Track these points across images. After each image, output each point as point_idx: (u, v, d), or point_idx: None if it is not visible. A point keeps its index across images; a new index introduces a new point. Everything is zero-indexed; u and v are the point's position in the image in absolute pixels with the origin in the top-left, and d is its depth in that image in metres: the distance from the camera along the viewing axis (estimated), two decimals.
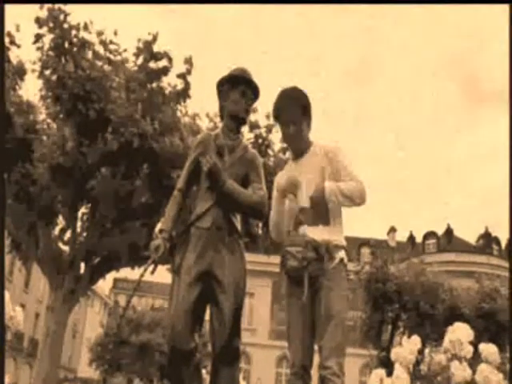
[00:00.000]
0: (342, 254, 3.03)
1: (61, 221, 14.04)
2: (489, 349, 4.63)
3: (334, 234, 3.03)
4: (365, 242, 39.19)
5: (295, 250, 2.91)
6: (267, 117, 13.51)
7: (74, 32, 12.03)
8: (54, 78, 11.88)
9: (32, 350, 35.92)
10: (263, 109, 13.07)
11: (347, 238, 3.17)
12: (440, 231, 39.19)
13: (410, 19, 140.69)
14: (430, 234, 39.24)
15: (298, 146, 3.22)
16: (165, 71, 12.51)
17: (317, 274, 2.89)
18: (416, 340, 4.92)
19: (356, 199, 3.04)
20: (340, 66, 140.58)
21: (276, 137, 13.85)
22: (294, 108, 3.15)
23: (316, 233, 2.95)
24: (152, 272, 3.22)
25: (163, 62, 12.45)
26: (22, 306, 34.25)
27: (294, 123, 3.15)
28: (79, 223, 13.83)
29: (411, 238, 40.75)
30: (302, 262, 2.87)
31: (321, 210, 3.02)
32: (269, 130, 13.76)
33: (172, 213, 3.30)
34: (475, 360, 4.59)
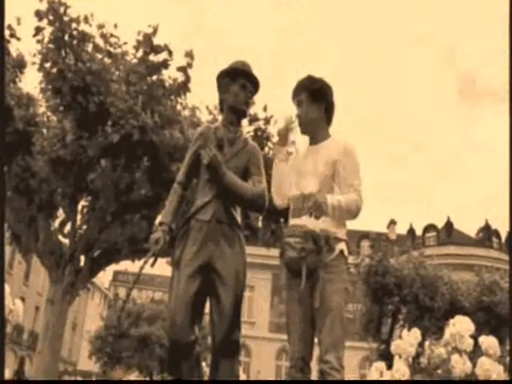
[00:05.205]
0: (341, 245, 3.01)
1: (61, 213, 14.04)
2: (489, 341, 4.62)
3: (335, 226, 3.01)
4: (365, 235, 39.18)
5: (294, 240, 2.90)
6: (264, 109, 13.55)
7: (74, 25, 11.99)
8: (54, 70, 11.84)
9: (32, 342, 35.97)
10: (261, 101, 13.11)
11: (347, 231, 3.16)
12: (440, 224, 39.18)
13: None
14: (429, 227, 39.19)
15: (309, 131, 3.23)
16: (165, 64, 12.48)
17: (315, 265, 2.88)
18: (416, 333, 4.92)
19: (351, 216, 3.05)
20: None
21: (274, 129, 13.87)
22: (301, 92, 3.21)
23: (316, 224, 2.93)
24: (152, 265, 3.22)
25: (163, 55, 12.42)
26: (22, 298, 34.28)
27: (299, 105, 3.21)
28: (79, 216, 13.82)
29: (411, 230, 40.71)
30: (300, 253, 2.87)
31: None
32: (267, 121, 13.75)
33: (172, 205, 3.30)
34: (475, 353, 4.59)
